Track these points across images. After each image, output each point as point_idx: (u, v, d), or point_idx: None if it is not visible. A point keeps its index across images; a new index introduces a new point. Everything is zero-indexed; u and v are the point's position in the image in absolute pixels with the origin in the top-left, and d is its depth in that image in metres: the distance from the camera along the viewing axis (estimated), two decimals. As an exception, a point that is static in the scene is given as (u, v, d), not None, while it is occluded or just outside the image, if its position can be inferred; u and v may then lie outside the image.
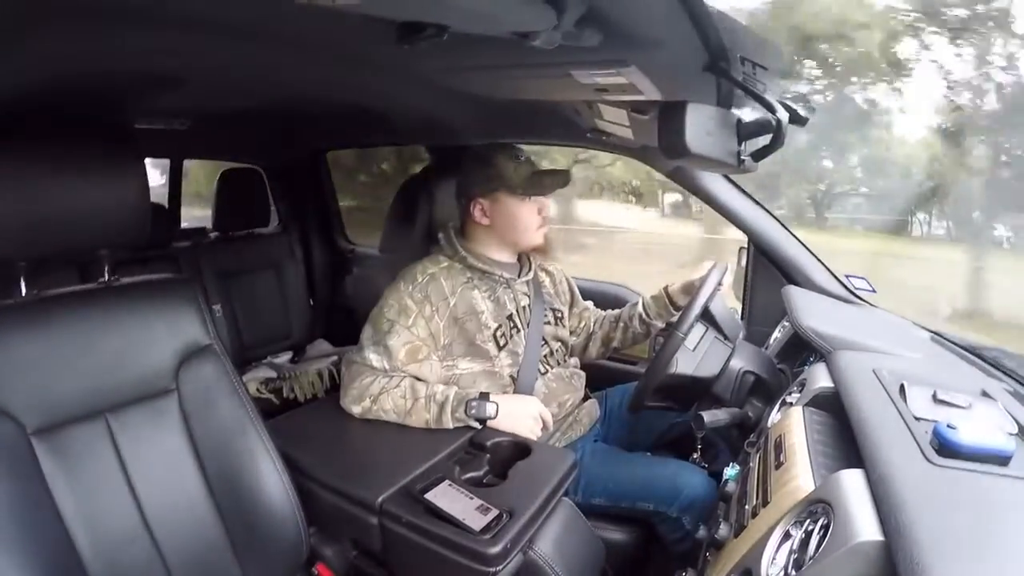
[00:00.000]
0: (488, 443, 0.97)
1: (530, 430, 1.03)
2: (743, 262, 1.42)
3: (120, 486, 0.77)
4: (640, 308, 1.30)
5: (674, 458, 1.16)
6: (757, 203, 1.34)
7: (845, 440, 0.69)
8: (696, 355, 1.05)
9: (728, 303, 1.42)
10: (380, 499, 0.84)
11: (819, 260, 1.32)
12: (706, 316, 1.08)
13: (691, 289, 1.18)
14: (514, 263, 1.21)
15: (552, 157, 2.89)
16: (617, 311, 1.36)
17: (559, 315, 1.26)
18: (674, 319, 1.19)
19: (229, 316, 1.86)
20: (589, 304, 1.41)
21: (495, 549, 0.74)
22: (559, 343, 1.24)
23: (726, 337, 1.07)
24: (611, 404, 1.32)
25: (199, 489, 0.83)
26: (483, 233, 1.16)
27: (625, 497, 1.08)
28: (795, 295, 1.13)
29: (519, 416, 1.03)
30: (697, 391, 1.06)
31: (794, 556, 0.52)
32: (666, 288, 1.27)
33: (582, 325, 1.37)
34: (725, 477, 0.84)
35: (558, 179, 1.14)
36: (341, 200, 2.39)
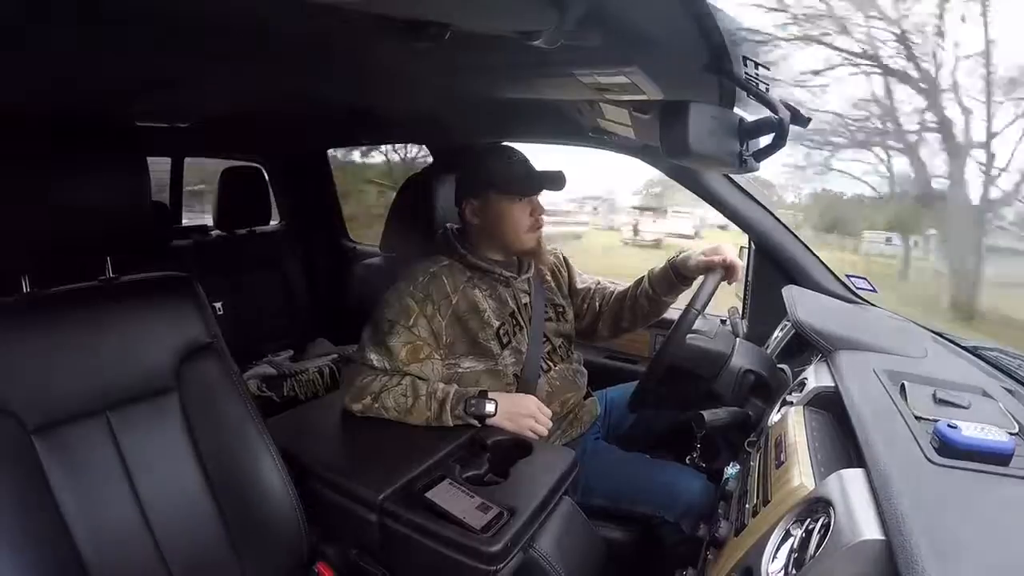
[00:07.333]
0: (489, 441, 0.98)
1: (529, 429, 1.03)
2: (744, 261, 1.41)
3: (121, 484, 0.77)
4: (646, 284, 1.24)
5: (673, 461, 1.16)
6: (759, 203, 1.34)
7: (846, 439, 0.69)
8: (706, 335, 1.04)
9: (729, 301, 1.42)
10: (381, 497, 0.84)
11: (820, 260, 1.32)
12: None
13: (699, 265, 1.12)
14: (513, 261, 1.20)
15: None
16: (624, 288, 1.30)
17: (560, 310, 1.26)
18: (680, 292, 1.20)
19: (230, 314, 1.86)
20: (595, 282, 1.34)
21: (495, 548, 0.75)
22: (562, 339, 1.24)
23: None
24: (611, 403, 1.32)
25: (200, 487, 0.83)
26: (477, 233, 1.16)
27: (624, 499, 1.08)
28: (796, 294, 1.13)
29: (517, 415, 1.03)
30: (697, 389, 1.06)
31: (794, 555, 0.52)
32: (671, 261, 1.20)
33: (586, 307, 1.32)
34: (726, 476, 0.84)
35: (550, 180, 1.11)
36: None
